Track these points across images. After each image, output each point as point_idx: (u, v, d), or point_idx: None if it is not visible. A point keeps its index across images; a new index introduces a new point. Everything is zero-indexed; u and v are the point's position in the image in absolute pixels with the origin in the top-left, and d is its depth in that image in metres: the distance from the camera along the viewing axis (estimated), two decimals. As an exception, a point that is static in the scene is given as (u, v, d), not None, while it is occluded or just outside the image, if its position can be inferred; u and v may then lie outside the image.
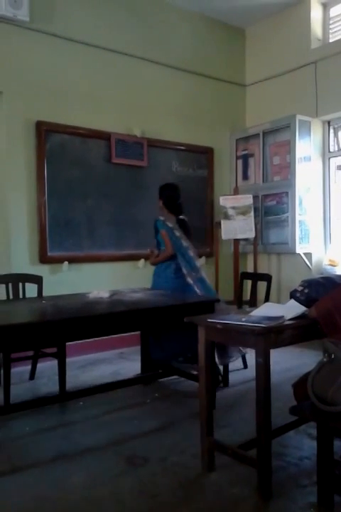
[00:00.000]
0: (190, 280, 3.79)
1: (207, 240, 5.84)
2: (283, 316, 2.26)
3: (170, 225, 3.90)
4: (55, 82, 4.69)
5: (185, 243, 3.88)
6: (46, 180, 4.63)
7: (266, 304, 2.73)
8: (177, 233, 3.89)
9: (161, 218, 3.97)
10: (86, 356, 4.68)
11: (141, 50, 5.26)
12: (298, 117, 5.33)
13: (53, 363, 3.98)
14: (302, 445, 2.77)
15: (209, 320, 2.35)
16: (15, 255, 4.48)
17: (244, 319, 2.25)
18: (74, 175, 4.82)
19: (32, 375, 4.08)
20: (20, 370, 4.09)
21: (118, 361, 4.65)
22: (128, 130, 5.16)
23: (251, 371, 4.04)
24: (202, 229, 5.81)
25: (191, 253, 3.87)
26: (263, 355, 2.09)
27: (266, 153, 5.72)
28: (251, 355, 3.81)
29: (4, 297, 3.86)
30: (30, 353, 3.94)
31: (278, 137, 5.57)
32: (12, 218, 4.49)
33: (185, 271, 3.84)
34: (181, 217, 4.00)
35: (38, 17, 4.54)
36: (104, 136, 4.98)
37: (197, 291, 3.76)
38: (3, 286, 3.85)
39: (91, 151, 4.94)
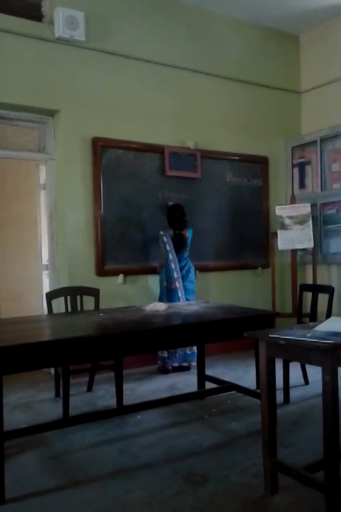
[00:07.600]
0: (176, 284, 4.59)
1: (263, 250, 5.71)
2: (351, 332, 2.13)
3: (165, 239, 4.65)
4: (109, 98, 4.77)
5: (170, 256, 4.61)
6: (102, 194, 4.71)
7: (332, 318, 2.60)
8: (168, 247, 4.62)
9: (161, 232, 4.71)
10: (142, 368, 4.67)
11: (194, 63, 5.26)
12: (359, 122, 5.14)
13: (110, 375, 4.01)
14: (372, 469, 2.60)
15: (271, 335, 2.25)
16: (73, 268, 4.57)
17: (308, 335, 2.14)
18: (128, 188, 4.87)
19: (89, 387, 4.12)
20: (78, 382, 4.14)
21: (175, 374, 4.61)
22: (181, 142, 5.16)
23: (313, 387, 3.94)
24: (258, 240, 5.70)
25: (172, 265, 4.60)
26: (330, 374, 1.97)
27: (324, 160, 5.54)
28: (313, 371, 3.67)
29: (63, 310, 3.95)
30: (88, 365, 3.98)
31: (337, 143, 5.38)
32: (69, 232, 4.59)
33: (167, 279, 4.63)
34: (177, 231, 4.72)
35: (94, 36, 4.65)
36: (157, 150, 5.00)
37: (179, 293, 4.57)
38: (62, 299, 3.92)
39: (145, 164, 4.98)
